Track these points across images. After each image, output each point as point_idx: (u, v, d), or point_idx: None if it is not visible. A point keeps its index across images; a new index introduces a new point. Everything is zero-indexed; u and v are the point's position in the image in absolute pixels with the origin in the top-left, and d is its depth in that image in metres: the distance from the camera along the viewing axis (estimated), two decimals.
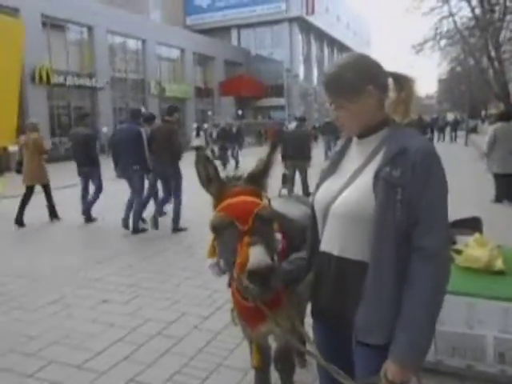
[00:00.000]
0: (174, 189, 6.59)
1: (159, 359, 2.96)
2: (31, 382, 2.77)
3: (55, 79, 20.62)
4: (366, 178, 1.38)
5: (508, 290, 2.59)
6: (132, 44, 26.78)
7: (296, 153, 8.10)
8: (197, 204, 7.21)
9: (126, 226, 6.59)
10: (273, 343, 2.24)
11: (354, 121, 1.42)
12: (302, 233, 1.99)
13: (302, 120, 8.97)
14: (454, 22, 18.59)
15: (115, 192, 8.34)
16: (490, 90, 22.05)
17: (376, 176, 1.34)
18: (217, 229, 1.57)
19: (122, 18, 24.50)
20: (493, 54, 18.30)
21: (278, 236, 1.73)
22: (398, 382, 1.30)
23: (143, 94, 27.12)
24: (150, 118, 7.70)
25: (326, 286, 1.48)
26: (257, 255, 1.40)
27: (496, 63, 18.42)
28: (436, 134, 27.62)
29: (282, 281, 1.63)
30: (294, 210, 2.19)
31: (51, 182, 7.66)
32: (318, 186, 1.56)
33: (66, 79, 21.35)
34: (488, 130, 9.10)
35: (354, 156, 1.49)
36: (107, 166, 7.77)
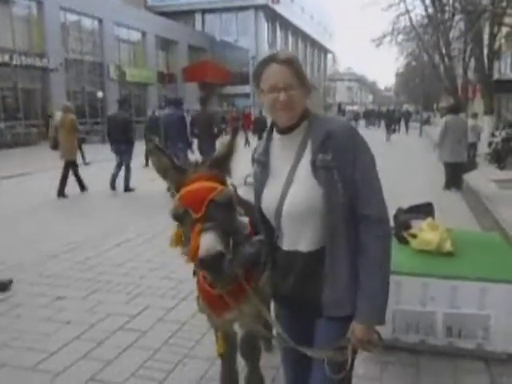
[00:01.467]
0: None
1: (121, 355, 2.84)
2: None
3: None
4: (305, 170, 1.45)
5: (456, 269, 2.84)
6: (87, 23, 25.60)
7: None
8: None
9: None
10: (238, 330, 2.23)
11: (300, 105, 1.47)
12: None
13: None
14: (410, 19, 19.69)
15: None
16: (441, 84, 23.54)
17: (313, 165, 1.42)
18: (176, 218, 1.60)
19: None
20: (443, 50, 19.88)
21: (245, 220, 1.75)
22: (365, 339, 1.43)
23: (101, 77, 26.14)
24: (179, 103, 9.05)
25: (293, 280, 1.51)
26: (206, 243, 1.42)
27: (446, 59, 20.04)
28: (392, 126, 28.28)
29: (243, 263, 1.66)
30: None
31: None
32: (257, 191, 1.57)
33: (11, 58, 20.07)
34: (440, 121, 9.80)
35: (282, 153, 1.53)
36: None
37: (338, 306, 1.44)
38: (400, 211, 3.52)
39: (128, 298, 3.75)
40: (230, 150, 1.70)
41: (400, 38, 20.39)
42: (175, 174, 1.67)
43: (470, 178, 8.98)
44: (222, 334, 2.13)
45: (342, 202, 1.40)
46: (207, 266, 1.44)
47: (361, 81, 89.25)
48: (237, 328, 2.22)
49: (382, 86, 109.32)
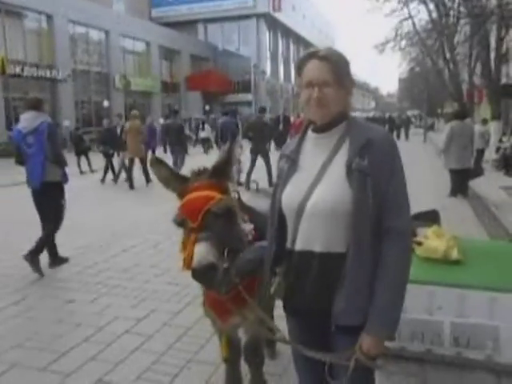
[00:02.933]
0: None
1: (128, 357, 2.90)
2: None
3: (11, 69, 19.71)
4: (337, 171, 1.41)
5: (463, 277, 2.75)
6: (94, 35, 25.92)
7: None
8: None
9: None
10: (242, 335, 2.26)
11: (334, 103, 1.44)
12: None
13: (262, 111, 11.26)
14: (413, 24, 19.37)
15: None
16: (445, 90, 23.09)
17: (348, 168, 1.39)
18: (177, 225, 1.63)
19: (84, 7, 23.62)
20: (448, 55, 19.25)
21: (248, 227, 1.75)
22: (372, 353, 1.38)
23: (107, 87, 26.36)
24: (234, 113, 11.40)
25: (307, 284, 1.46)
26: (199, 253, 1.44)
27: (451, 65, 19.37)
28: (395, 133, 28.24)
29: (241, 270, 1.65)
30: (262, 204, 2.23)
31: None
32: (278, 186, 1.54)
33: (23, 70, 20.42)
34: (445, 127, 9.55)
35: (314, 151, 1.50)
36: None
37: (350, 313, 1.39)
38: None
39: (135, 302, 3.83)
40: (228, 158, 1.70)
41: (403, 43, 20.12)
42: (176, 183, 1.71)
43: (477, 184, 8.70)
44: (225, 339, 2.15)
45: (369, 210, 1.37)
46: (198, 277, 1.45)
47: (363, 87, 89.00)
48: (241, 333, 2.24)
49: (384, 92, 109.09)
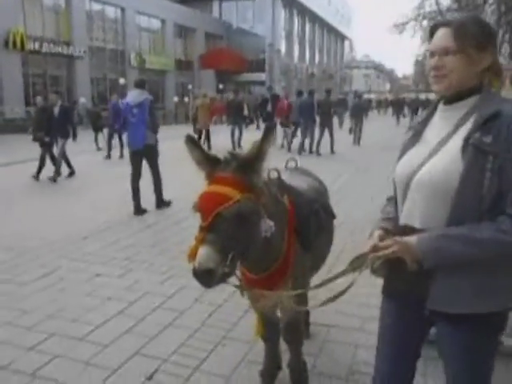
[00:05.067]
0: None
1: (162, 332, 2.92)
2: (33, 354, 2.69)
3: (30, 45, 19.62)
4: (454, 144, 1.29)
5: None
6: (111, 12, 25.60)
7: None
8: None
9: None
10: (280, 314, 2.22)
11: (457, 74, 1.30)
12: (309, 204, 2.00)
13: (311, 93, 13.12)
14: (437, 3, 18.78)
15: None
16: None
17: (465, 142, 1.26)
18: (196, 213, 1.58)
19: None
20: None
21: (269, 223, 1.64)
22: (397, 247, 1.30)
23: (123, 65, 26.16)
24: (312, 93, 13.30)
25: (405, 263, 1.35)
26: (201, 256, 1.43)
27: None
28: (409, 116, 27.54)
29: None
30: (301, 183, 2.22)
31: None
32: (399, 158, 1.46)
33: (41, 46, 20.35)
34: None
35: (440, 124, 1.40)
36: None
37: (447, 300, 1.30)
38: None
39: (163, 278, 3.84)
40: (260, 152, 1.58)
41: (425, 23, 19.55)
42: (207, 165, 1.63)
43: None
44: (261, 318, 2.12)
45: (482, 192, 1.22)
46: (195, 277, 1.46)
47: (378, 68, 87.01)
48: (280, 312, 2.21)
49: (400, 74, 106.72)
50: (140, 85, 6.18)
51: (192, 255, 1.47)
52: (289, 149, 12.55)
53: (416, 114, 25.31)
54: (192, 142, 1.63)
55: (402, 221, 1.41)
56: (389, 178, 1.58)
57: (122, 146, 10.95)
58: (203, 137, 12.65)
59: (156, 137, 6.13)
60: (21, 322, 3.09)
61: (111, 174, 9.07)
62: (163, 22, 29.45)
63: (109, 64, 25.53)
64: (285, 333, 2.20)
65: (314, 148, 12.24)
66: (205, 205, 1.52)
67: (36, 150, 8.84)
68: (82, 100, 21.35)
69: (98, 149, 12.91)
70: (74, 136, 9.59)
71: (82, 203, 6.73)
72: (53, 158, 8.78)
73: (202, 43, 33.62)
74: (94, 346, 2.76)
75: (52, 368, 2.56)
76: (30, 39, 19.68)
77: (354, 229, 4.93)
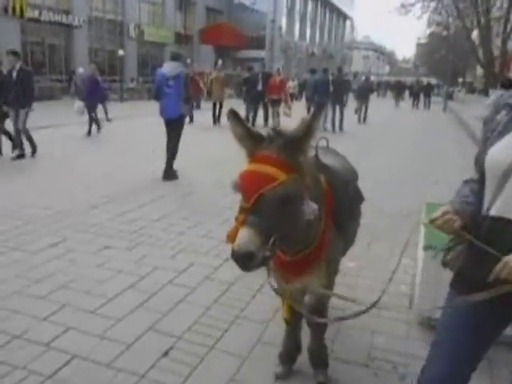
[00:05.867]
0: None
1: (175, 308, 2.88)
2: (47, 325, 2.64)
3: (29, 13, 18.97)
4: None
5: None
6: None
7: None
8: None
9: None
10: (306, 297, 2.17)
11: None
12: (345, 185, 1.93)
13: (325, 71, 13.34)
14: None
15: None
16: (469, 57, 22.12)
17: None
18: (235, 192, 1.50)
19: None
20: (482, 19, 18.15)
21: (313, 206, 1.56)
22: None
23: (121, 36, 25.43)
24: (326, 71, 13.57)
25: (495, 257, 1.23)
26: (241, 239, 1.35)
27: (483, 29, 18.31)
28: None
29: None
30: (334, 163, 2.11)
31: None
32: (488, 140, 1.34)
33: (41, 14, 19.66)
34: (491, 95, 8.89)
35: None
36: None
37: None
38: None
39: (172, 253, 3.78)
40: (308, 131, 1.48)
41: (432, 5, 19.04)
42: (249, 141, 1.54)
43: None
44: (288, 301, 2.07)
45: None
46: (235, 260, 1.39)
47: (378, 50, 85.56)
48: (305, 296, 2.15)
49: (399, 56, 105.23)
50: (176, 58, 6.40)
51: (231, 236, 1.40)
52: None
53: (417, 98, 25.04)
54: (235, 118, 1.53)
55: (495, 212, 1.28)
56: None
57: (91, 122, 10.27)
58: (217, 109, 13.09)
59: (188, 107, 6.49)
60: (33, 291, 3.04)
61: (113, 146, 8.91)
62: None
63: (107, 35, 24.80)
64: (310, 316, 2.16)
65: (330, 125, 12.40)
66: (247, 185, 1.43)
67: None
68: (81, 70, 20.79)
69: (108, 119, 12.62)
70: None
71: (77, 179, 6.61)
72: (6, 133, 7.55)
73: (203, 17, 32.75)
74: (107, 320, 2.72)
75: (66, 340, 2.51)
76: (30, 6, 19.01)
77: None
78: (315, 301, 2.07)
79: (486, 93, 21.09)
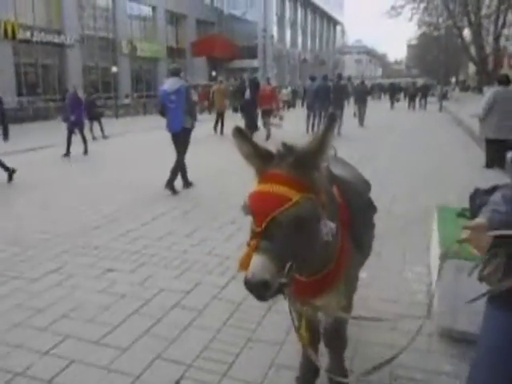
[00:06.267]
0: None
1: (183, 333, 2.74)
2: (49, 359, 2.50)
3: (21, 34, 19.00)
4: None
5: None
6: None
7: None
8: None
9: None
10: (323, 318, 2.04)
11: None
12: (359, 197, 1.82)
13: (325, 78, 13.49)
14: None
15: None
16: (462, 56, 22.19)
17: None
18: (246, 215, 1.39)
19: None
20: (472, 17, 18.22)
21: (330, 225, 1.42)
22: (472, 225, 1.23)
23: (114, 53, 25.50)
24: (326, 78, 14.12)
25: None
26: (255, 267, 1.24)
27: (475, 27, 18.37)
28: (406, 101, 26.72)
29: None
30: (344, 173, 1.97)
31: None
32: None
33: (32, 35, 19.70)
34: (486, 93, 8.79)
35: None
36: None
37: None
38: (479, 192, 3.13)
39: (176, 273, 3.65)
40: (322, 144, 1.36)
41: (422, 6, 19.11)
42: (258, 159, 1.41)
43: None
44: (306, 322, 1.93)
45: None
46: (250, 290, 1.27)
47: (370, 53, 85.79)
48: (321, 316, 2.03)
49: (391, 59, 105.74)
50: (175, 73, 6.44)
51: (244, 264, 1.27)
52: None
53: (413, 100, 24.89)
54: (241, 135, 1.40)
55: None
56: None
57: (84, 141, 10.07)
58: (220, 119, 13.47)
59: (192, 121, 6.40)
60: (34, 322, 2.90)
61: (112, 164, 8.80)
62: (154, 8, 28.70)
63: (100, 52, 24.88)
64: (328, 338, 2.03)
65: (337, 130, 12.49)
66: (258, 207, 1.31)
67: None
68: (71, 90, 20.79)
69: (94, 138, 12.58)
70: (5, 135, 7.39)
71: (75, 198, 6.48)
72: None
73: (194, 30, 32.92)
74: (112, 350, 2.58)
75: (70, 374, 2.37)
76: (21, 28, 19.05)
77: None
78: (333, 323, 1.94)
79: (479, 90, 21.11)
